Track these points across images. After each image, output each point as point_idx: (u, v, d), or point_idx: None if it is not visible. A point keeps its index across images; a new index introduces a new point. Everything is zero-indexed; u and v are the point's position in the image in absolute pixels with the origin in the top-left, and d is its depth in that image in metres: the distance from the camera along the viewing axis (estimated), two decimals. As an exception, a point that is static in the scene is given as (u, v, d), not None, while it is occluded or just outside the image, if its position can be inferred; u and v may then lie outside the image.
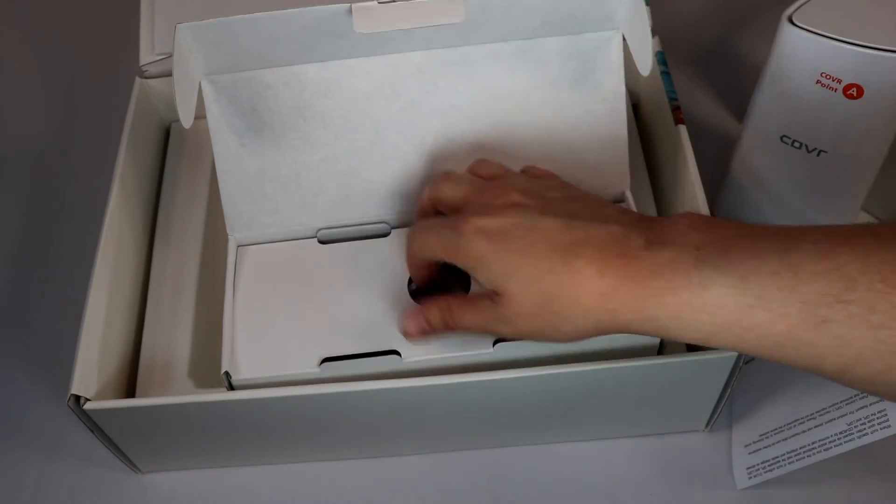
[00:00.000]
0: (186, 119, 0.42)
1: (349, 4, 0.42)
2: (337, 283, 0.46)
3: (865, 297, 0.30)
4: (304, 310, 0.45)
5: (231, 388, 0.42)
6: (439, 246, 0.39)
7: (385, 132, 0.47)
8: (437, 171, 0.46)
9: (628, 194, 0.48)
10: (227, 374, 0.42)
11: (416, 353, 0.43)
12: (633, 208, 0.47)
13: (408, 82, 0.46)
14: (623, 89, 0.47)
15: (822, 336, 0.31)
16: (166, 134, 0.58)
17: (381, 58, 0.45)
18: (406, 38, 0.44)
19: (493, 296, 0.38)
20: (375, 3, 0.42)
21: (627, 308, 0.34)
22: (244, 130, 0.46)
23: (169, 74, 0.55)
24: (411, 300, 0.44)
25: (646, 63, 0.43)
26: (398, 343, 0.43)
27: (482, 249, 0.37)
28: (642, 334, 0.35)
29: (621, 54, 0.46)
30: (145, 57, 0.55)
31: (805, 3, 0.43)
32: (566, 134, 0.47)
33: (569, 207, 0.38)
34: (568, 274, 0.35)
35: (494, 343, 0.42)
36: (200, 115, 0.44)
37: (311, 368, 0.42)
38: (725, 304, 0.32)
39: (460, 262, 0.39)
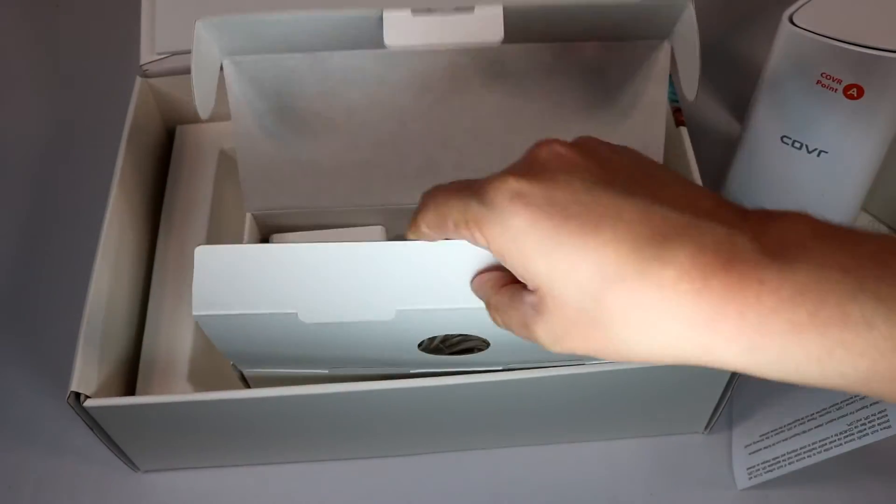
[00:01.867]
0: (204, 109, 0.42)
1: (380, 11, 0.40)
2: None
3: None
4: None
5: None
6: (456, 217, 0.29)
7: (411, 124, 0.46)
8: (466, 166, 0.44)
9: None
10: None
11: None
12: None
13: (439, 76, 0.44)
14: (665, 100, 0.45)
15: None
16: (167, 133, 0.58)
17: (413, 51, 0.43)
18: (441, 34, 0.42)
19: (532, 293, 0.28)
20: (408, 12, 0.40)
21: (736, 345, 0.25)
22: (265, 113, 0.45)
23: (170, 74, 0.55)
24: None
25: (692, 87, 0.41)
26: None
27: (518, 225, 0.27)
28: (745, 373, 0.26)
29: (667, 66, 0.44)
30: (145, 57, 0.55)
31: (805, 3, 0.43)
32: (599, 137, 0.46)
33: (646, 184, 0.28)
34: (648, 289, 0.25)
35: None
36: (203, 119, 0.44)
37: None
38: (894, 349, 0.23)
39: (485, 243, 0.29)
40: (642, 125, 0.46)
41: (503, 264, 0.28)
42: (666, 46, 0.44)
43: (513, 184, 0.27)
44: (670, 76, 0.53)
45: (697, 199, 0.27)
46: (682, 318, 0.25)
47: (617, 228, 0.26)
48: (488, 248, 0.29)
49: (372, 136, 0.46)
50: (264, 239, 0.50)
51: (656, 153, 0.46)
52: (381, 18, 0.41)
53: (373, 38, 0.42)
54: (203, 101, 0.42)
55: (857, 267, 0.24)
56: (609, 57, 0.44)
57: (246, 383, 0.43)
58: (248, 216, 0.48)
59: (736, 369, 0.26)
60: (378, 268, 0.33)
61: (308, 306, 0.34)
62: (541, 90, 0.45)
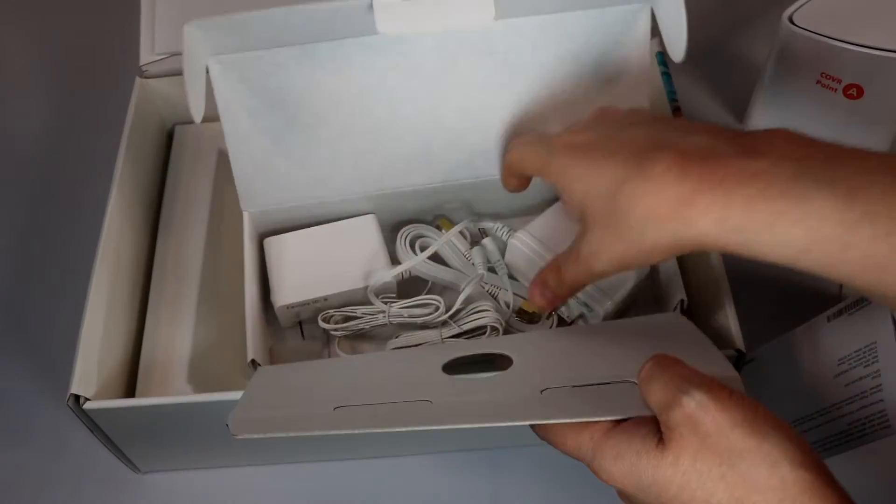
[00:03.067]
0: (197, 113, 0.42)
1: (369, 1, 0.41)
2: None
3: None
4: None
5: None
6: (533, 159, 0.41)
7: (402, 108, 0.46)
8: (458, 145, 0.47)
9: None
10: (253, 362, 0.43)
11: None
12: None
13: (425, 58, 0.45)
14: (647, 62, 0.46)
15: None
16: (167, 133, 0.58)
17: (398, 35, 0.44)
18: (433, 16, 0.44)
19: (580, 224, 0.37)
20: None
21: (709, 216, 0.31)
22: (255, 109, 0.46)
23: (170, 74, 0.55)
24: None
25: (679, 48, 0.41)
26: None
27: (566, 164, 0.37)
28: (720, 251, 0.32)
29: (648, 28, 0.45)
30: (145, 57, 0.55)
31: (805, 3, 0.43)
32: (587, 106, 0.46)
33: (662, 122, 0.36)
34: (643, 180, 0.33)
35: None
36: (206, 119, 0.44)
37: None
38: (827, 218, 0.29)
39: (548, 178, 0.39)
40: (628, 90, 0.47)
41: (560, 196, 0.40)
42: (646, 9, 0.44)
43: (566, 137, 0.38)
44: (669, 74, 0.53)
45: (695, 125, 0.35)
46: (670, 198, 0.32)
47: (629, 150, 0.34)
48: (551, 184, 0.39)
49: (363, 123, 0.46)
50: (261, 239, 0.50)
51: None
52: (369, 6, 0.42)
53: (362, 26, 0.43)
54: (196, 105, 0.42)
55: (805, 157, 0.30)
56: (591, 25, 0.45)
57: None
58: (246, 215, 0.48)
59: (715, 244, 0.31)
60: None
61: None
62: (527, 64, 0.46)
